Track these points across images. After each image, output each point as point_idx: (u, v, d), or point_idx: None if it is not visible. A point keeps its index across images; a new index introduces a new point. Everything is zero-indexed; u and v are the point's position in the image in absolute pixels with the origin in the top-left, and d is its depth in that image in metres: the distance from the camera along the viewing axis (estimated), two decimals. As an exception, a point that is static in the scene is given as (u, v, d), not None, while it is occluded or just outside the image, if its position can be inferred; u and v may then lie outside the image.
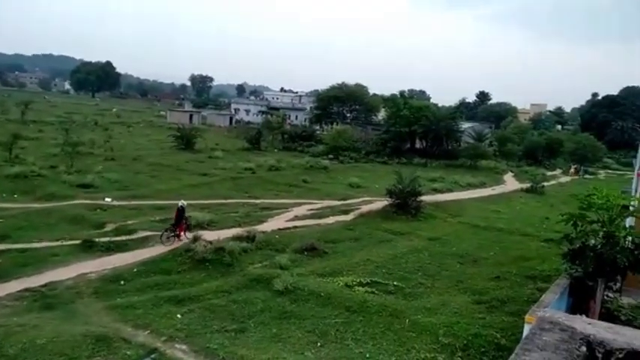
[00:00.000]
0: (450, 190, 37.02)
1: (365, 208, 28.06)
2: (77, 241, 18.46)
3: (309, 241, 19.96)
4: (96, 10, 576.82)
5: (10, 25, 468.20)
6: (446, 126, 58.35)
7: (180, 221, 19.99)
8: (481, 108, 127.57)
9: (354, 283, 15.90)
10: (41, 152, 38.73)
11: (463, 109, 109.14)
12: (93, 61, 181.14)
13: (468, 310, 14.58)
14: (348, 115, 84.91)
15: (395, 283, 16.39)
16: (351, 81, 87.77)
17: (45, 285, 14.58)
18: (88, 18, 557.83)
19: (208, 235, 19.92)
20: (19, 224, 20.51)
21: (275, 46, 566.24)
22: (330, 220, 25.39)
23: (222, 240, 19.24)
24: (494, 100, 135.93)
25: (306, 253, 19.17)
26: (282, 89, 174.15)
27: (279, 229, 22.61)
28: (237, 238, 19.69)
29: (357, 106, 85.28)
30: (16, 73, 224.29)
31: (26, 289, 14.27)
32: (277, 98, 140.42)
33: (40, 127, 58.86)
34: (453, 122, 60.69)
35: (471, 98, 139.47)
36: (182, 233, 19.88)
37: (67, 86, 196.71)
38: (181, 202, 20.81)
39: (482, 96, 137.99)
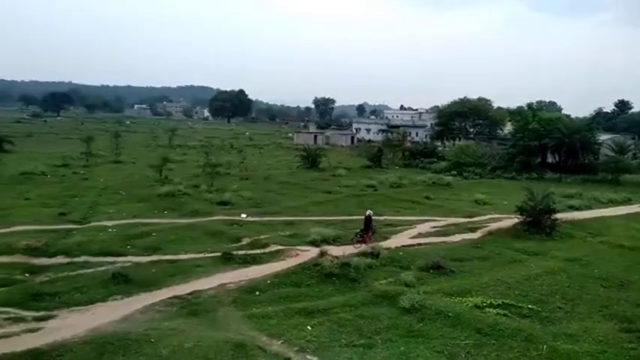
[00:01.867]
0: (588, 208, 33.66)
1: (493, 226, 26.57)
2: (217, 254, 19.79)
3: (435, 258, 19.32)
4: (230, 45, 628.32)
5: (159, 62, 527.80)
6: (581, 138, 53.39)
7: (368, 228, 22.00)
8: (621, 118, 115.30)
9: (485, 304, 15.04)
10: (186, 173, 42.51)
11: (600, 120, 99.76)
12: (228, 89, 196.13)
13: (615, 339, 13.08)
14: (471, 130, 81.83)
15: (530, 306, 15.23)
16: (472, 95, 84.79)
17: (191, 293, 15.73)
18: (224, 52, 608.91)
19: (334, 251, 20.26)
20: (168, 238, 22.53)
21: (392, 66, 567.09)
22: (456, 237, 24.44)
23: (348, 255, 19.44)
24: (635, 109, 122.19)
25: (431, 271, 18.60)
26: (401, 107, 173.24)
27: (403, 246, 22.25)
28: (362, 254, 19.78)
29: (481, 121, 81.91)
30: (164, 103, 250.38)
31: (175, 297, 15.48)
32: (397, 116, 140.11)
33: (185, 151, 64.93)
34: (589, 134, 55.40)
35: (609, 108, 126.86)
36: (368, 240, 21.82)
37: (207, 113, 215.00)
38: (369, 211, 22.77)
39: (622, 105, 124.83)
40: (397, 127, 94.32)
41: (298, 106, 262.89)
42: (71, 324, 13.19)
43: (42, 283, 16.12)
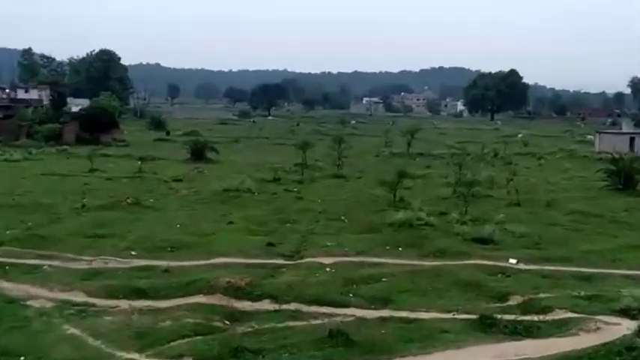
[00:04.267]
0: None
1: None
2: (473, 316, 19.52)
3: None
4: (496, 9, 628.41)
5: (396, 40, 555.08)
6: None
7: None
8: None
9: None
10: (428, 194, 43.37)
11: None
12: (493, 71, 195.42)
13: None
14: None
15: None
16: None
17: (435, 371, 15.93)
18: (488, 22, 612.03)
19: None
20: (403, 286, 23.06)
21: None
22: None
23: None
24: None
25: None
26: None
27: None
28: None
29: None
30: (402, 94, 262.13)
31: (413, 372, 15.87)
32: None
33: (427, 162, 66.63)
34: None
35: None
36: None
37: (460, 107, 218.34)
38: None
39: None
40: None
41: (603, 92, 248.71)
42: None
43: (244, 334, 18.01)
